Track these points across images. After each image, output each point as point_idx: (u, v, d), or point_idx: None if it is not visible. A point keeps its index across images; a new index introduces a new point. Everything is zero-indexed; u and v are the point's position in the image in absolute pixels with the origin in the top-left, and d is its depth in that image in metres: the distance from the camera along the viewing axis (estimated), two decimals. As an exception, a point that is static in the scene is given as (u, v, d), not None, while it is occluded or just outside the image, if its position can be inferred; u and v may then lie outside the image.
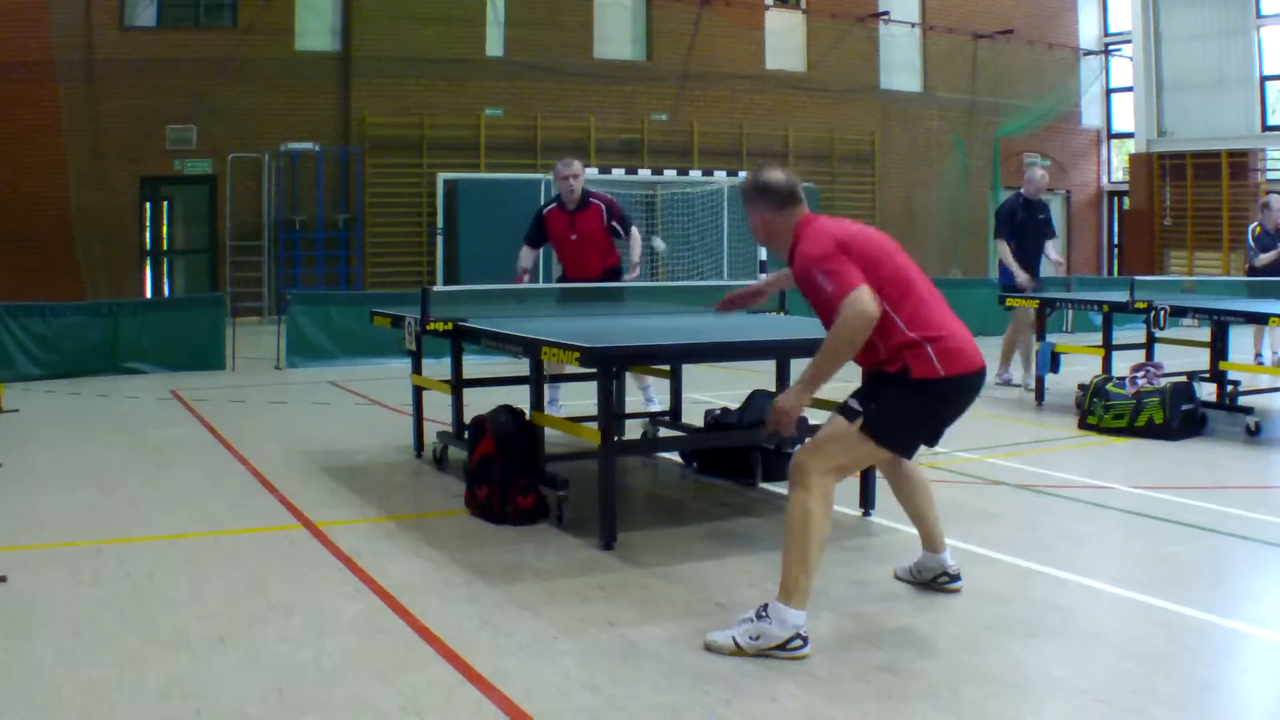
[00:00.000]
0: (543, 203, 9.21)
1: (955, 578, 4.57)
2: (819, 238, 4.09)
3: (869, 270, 4.01)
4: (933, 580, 4.59)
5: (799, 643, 3.84)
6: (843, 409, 4.13)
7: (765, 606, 3.90)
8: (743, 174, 18.17)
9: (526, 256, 8.62)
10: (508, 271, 9.10)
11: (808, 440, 4.20)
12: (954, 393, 4.13)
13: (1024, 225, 10.57)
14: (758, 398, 6.66)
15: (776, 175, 4.24)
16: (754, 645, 3.86)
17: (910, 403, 4.08)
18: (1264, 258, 12.05)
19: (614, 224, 8.46)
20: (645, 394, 8.49)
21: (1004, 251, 10.57)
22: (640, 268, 8.73)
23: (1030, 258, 10.61)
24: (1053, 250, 10.71)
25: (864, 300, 3.90)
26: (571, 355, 5.19)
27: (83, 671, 3.73)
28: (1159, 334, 9.07)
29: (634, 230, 8.61)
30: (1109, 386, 8.32)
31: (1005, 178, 22.80)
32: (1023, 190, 10.76)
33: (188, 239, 19.40)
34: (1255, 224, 12.43)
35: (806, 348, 5.83)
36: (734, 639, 3.90)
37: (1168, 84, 22.87)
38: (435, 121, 19.11)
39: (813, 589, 3.98)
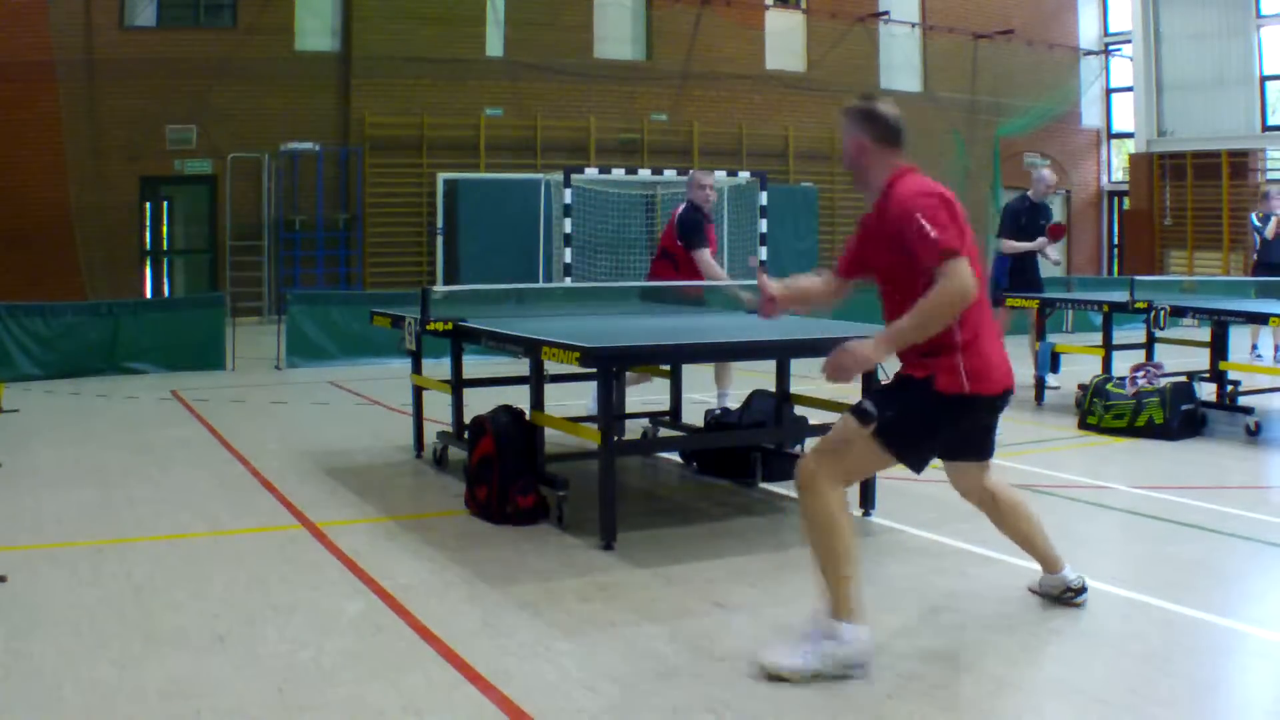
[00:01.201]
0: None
1: (1080, 591, 4.31)
2: (926, 183, 3.83)
3: (965, 242, 3.69)
4: (1059, 597, 4.36)
5: (860, 663, 3.67)
6: (857, 410, 3.81)
7: (821, 629, 3.70)
8: (743, 174, 18.18)
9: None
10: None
11: (818, 442, 3.92)
12: (976, 411, 3.89)
13: (1029, 228, 10.45)
14: (758, 398, 6.66)
15: (890, 109, 3.97)
16: (829, 664, 3.67)
17: (930, 416, 3.82)
18: (1271, 228, 12.18)
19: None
20: (722, 401, 8.20)
21: (1010, 248, 10.47)
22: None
23: (1031, 261, 10.56)
24: (1052, 251, 10.70)
25: (964, 273, 3.61)
26: (572, 355, 5.19)
27: (83, 671, 3.72)
28: (1159, 334, 9.07)
29: (697, 254, 8.21)
30: (1109, 386, 8.32)
31: (1005, 178, 22.77)
32: (1029, 193, 10.66)
33: (188, 239, 19.40)
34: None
35: (806, 348, 5.86)
36: (803, 662, 3.65)
37: (1168, 84, 22.87)
38: (435, 121, 19.10)
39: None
